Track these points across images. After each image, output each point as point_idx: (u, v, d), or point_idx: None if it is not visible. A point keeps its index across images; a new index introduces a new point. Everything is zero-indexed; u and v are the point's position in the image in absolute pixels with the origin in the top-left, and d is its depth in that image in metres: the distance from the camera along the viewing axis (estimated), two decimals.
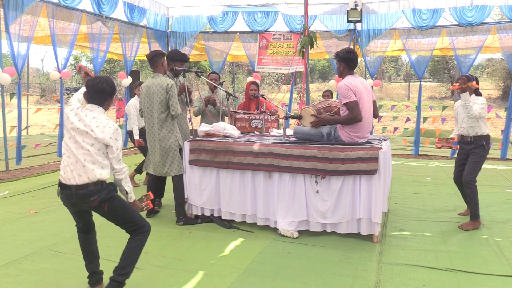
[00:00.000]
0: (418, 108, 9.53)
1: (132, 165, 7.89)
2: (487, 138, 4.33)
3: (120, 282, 2.71)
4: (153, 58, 4.44)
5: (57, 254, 3.60)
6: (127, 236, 4.04)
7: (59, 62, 8.07)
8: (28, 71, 13.70)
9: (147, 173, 5.14)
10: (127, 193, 2.80)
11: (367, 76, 9.72)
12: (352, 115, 3.93)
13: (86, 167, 2.62)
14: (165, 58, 4.58)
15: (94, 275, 2.88)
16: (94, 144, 2.65)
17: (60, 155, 8.29)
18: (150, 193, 3.02)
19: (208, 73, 6.30)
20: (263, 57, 10.12)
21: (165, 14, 10.64)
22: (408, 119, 10.64)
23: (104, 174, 2.66)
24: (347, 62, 4.08)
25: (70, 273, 3.22)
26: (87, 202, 2.64)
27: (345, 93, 3.92)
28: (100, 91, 2.74)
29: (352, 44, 9.43)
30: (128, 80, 9.62)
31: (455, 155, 4.71)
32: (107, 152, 2.70)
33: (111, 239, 3.99)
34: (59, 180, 2.69)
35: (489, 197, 5.52)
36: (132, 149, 10.18)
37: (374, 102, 4.27)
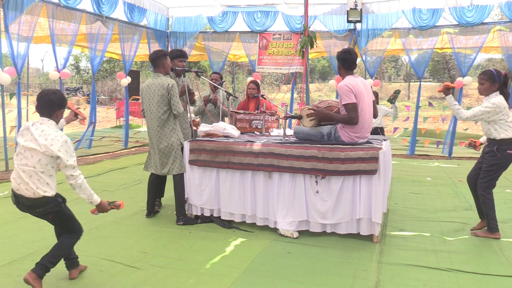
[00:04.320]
0: (417, 108, 9.53)
1: (132, 165, 7.91)
2: (501, 143, 3.82)
3: (48, 268, 2.85)
4: (155, 60, 4.44)
5: None
6: (127, 236, 4.07)
7: (58, 62, 8.06)
8: (28, 71, 13.67)
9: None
10: (86, 199, 2.90)
11: (367, 76, 9.73)
12: (349, 116, 3.94)
13: (31, 185, 2.74)
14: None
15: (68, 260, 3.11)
16: (41, 159, 2.74)
17: None
18: (122, 202, 3.05)
19: (208, 73, 6.31)
20: (263, 57, 10.12)
21: (165, 14, 10.64)
22: (407, 119, 10.63)
23: (48, 191, 2.77)
24: (342, 62, 4.12)
25: None
26: (33, 212, 2.83)
27: (345, 93, 3.93)
28: (48, 102, 2.84)
29: (352, 44, 9.43)
30: (126, 80, 9.61)
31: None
32: (54, 166, 2.81)
33: (112, 239, 4.00)
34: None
35: None
36: (132, 149, 10.18)
37: (373, 102, 4.27)
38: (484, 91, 3.93)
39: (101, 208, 2.99)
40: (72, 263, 3.13)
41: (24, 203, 2.79)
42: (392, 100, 6.48)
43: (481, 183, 3.99)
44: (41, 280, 2.81)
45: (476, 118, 3.91)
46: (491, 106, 3.79)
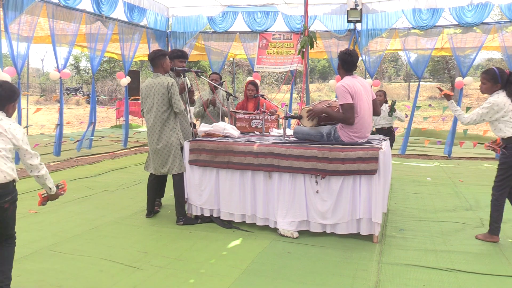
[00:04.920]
0: (413, 108, 9.53)
1: (131, 165, 7.91)
2: (509, 141, 3.73)
3: (8, 285, 2.72)
4: (154, 60, 4.44)
5: (57, 254, 3.60)
6: (127, 236, 4.07)
7: (59, 62, 8.07)
8: (28, 71, 13.66)
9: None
10: (50, 188, 2.81)
11: (367, 76, 9.73)
12: (346, 116, 3.95)
13: (2, 167, 2.56)
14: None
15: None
16: (7, 144, 2.60)
17: (57, 154, 8.28)
18: (63, 181, 3.02)
19: (208, 73, 6.30)
20: (263, 57, 10.12)
21: (165, 14, 10.64)
22: (406, 117, 10.62)
23: (15, 174, 2.64)
24: (342, 62, 4.14)
25: (70, 273, 3.22)
26: (3, 201, 2.60)
27: (341, 94, 3.95)
28: None
29: (352, 44, 9.43)
30: (126, 80, 9.61)
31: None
32: (13, 155, 2.66)
33: (112, 239, 4.00)
34: None
35: (489, 197, 5.49)
36: (132, 149, 10.18)
37: (374, 100, 4.27)
38: (486, 91, 3.87)
39: (55, 196, 2.90)
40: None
41: None
42: (390, 113, 6.53)
43: (494, 182, 3.89)
44: None
45: (477, 121, 3.85)
46: (487, 106, 3.75)
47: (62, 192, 2.97)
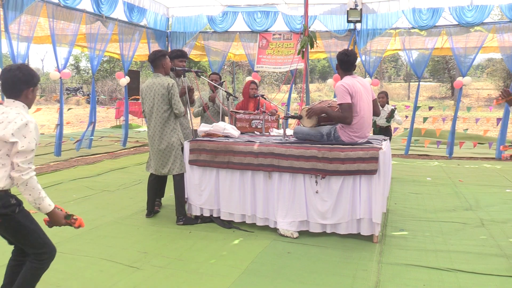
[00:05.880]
0: (414, 108, 9.54)
1: (131, 165, 7.91)
2: None
3: None
4: (155, 61, 4.44)
5: (57, 254, 3.58)
6: (127, 236, 4.07)
7: (59, 62, 8.07)
8: None
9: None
10: (34, 202, 2.32)
11: (366, 76, 9.73)
12: (343, 116, 3.97)
13: None
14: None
15: None
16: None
17: (57, 154, 8.28)
18: (80, 221, 2.57)
19: (208, 74, 6.30)
20: (262, 56, 10.12)
21: (165, 14, 10.64)
22: (406, 118, 10.62)
23: (2, 183, 2.25)
24: (339, 63, 4.18)
25: (70, 273, 3.22)
26: None
27: (341, 93, 3.96)
28: (12, 80, 2.33)
29: (352, 44, 9.43)
30: (125, 80, 9.60)
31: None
32: (9, 154, 2.27)
33: (112, 239, 4.00)
34: None
35: (489, 197, 5.52)
36: (132, 149, 10.18)
37: (374, 100, 4.28)
38: None
39: (53, 219, 2.44)
40: None
41: None
42: (388, 120, 6.56)
43: None
44: None
45: None
46: None
47: (69, 223, 2.50)
